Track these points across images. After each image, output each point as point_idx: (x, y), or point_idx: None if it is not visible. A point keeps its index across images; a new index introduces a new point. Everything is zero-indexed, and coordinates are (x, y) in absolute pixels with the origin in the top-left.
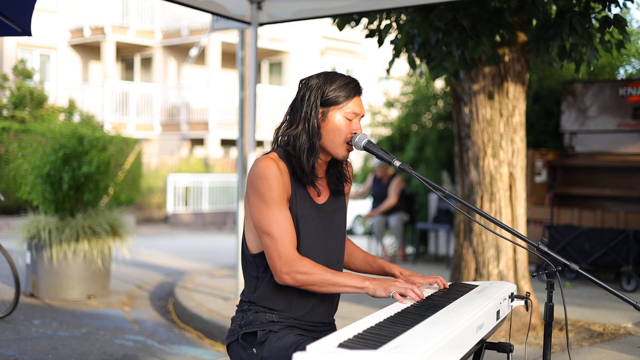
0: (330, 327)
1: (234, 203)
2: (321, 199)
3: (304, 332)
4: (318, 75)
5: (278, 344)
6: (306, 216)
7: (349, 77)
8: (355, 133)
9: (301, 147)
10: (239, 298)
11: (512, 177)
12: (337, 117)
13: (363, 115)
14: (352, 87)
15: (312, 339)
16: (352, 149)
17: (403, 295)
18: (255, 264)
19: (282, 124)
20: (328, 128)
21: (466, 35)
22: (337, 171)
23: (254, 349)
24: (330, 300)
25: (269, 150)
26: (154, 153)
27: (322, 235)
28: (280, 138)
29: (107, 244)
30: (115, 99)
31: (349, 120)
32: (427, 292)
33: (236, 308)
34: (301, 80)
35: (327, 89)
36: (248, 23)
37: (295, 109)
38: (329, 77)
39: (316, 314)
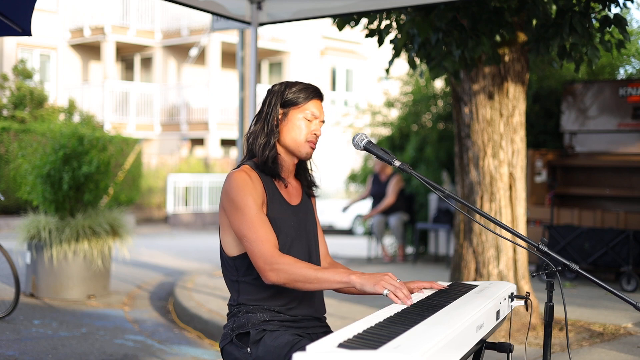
0: (323, 324)
1: None
2: (295, 201)
3: (299, 332)
4: (280, 83)
5: (273, 342)
6: (283, 217)
7: (309, 83)
8: (315, 133)
9: (259, 142)
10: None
11: (512, 177)
12: (297, 116)
13: (324, 121)
14: (312, 91)
15: (307, 338)
16: (314, 147)
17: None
18: (235, 267)
19: (250, 127)
20: (289, 127)
21: (466, 35)
22: (306, 178)
23: (248, 348)
24: (319, 295)
25: (242, 161)
26: (154, 153)
27: (299, 235)
28: (248, 139)
29: (107, 244)
30: (115, 99)
31: (309, 120)
32: (427, 292)
33: (227, 315)
34: (268, 89)
35: (287, 91)
36: (248, 23)
37: (260, 112)
38: (290, 83)
39: (307, 308)
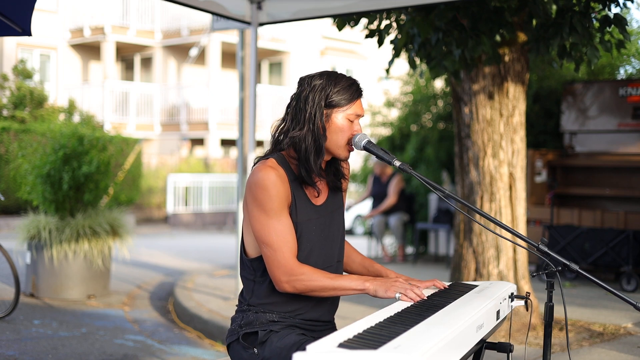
0: (331, 326)
1: (234, 203)
2: (320, 200)
3: (305, 332)
4: (321, 75)
5: (279, 343)
6: (307, 220)
7: (350, 78)
8: (355, 134)
9: (308, 148)
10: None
11: (512, 177)
12: (340, 119)
13: (363, 116)
14: (355, 90)
15: (313, 339)
16: (352, 149)
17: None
18: (253, 269)
19: (281, 123)
20: (331, 129)
21: (466, 34)
22: (335, 168)
23: (254, 349)
24: (332, 299)
25: (265, 153)
26: (154, 153)
27: (322, 237)
28: (281, 139)
29: (107, 244)
30: (115, 99)
31: (351, 122)
32: (427, 292)
33: (235, 308)
34: (302, 78)
35: (331, 90)
36: (248, 23)
37: (297, 109)
38: (332, 78)
39: (318, 312)
